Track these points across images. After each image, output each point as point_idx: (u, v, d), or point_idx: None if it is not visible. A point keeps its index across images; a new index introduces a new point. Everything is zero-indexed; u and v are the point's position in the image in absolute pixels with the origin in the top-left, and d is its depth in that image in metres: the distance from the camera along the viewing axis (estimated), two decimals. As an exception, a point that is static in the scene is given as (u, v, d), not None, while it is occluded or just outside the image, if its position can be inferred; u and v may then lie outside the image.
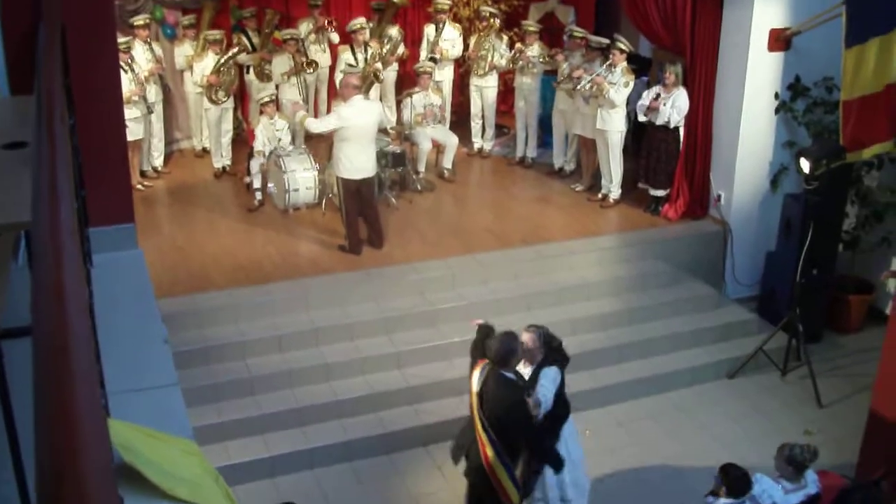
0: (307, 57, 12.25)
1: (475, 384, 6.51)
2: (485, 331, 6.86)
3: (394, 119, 10.73)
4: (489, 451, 6.48)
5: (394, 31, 12.80)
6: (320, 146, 11.82)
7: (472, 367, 6.64)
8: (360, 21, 12.28)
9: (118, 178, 4.42)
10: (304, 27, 12.59)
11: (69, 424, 1.31)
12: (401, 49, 12.86)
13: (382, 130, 10.47)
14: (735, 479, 6.30)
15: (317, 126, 9.89)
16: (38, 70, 2.79)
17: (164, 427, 2.96)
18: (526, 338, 6.70)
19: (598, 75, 10.64)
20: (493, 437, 6.44)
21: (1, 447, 2.80)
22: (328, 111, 12.71)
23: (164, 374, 3.40)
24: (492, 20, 12.50)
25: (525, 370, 6.79)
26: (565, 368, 6.84)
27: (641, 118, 10.68)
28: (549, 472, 6.84)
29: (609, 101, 10.55)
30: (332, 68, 12.89)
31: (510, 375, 6.52)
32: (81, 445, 1.29)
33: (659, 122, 10.40)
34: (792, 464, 6.57)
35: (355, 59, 12.13)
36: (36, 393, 1.48)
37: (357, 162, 9.49)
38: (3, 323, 2.80)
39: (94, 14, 4.20)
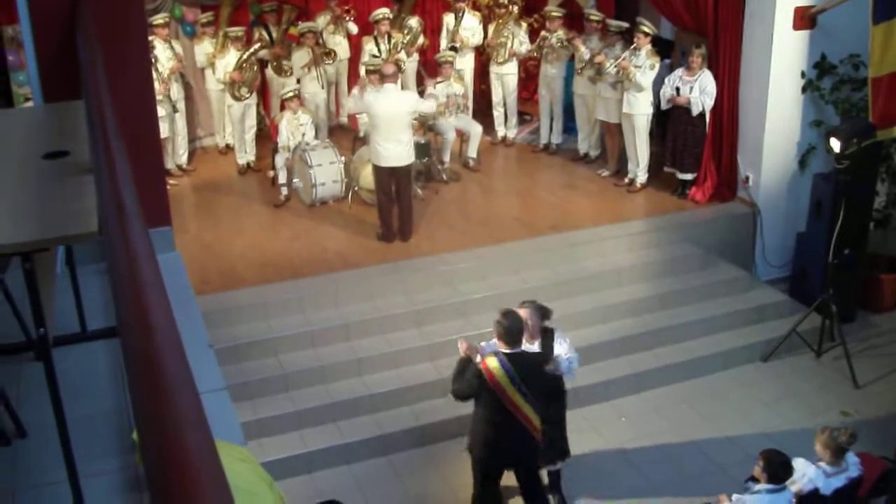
0: (325, 48, 12.23)
1: (499, 373, 6.45)
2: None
3: (431, 103, 10.62)
4: (535, 422, 6.66)
5: (413, 21, 12.75)
6: (344, 139, 11.82)
7: (481, 366, 6.54)
8: (383, 11, 12.24)
9: (154, 182, 4.41)
10: (322, 19, 12.56)
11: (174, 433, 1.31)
12: (421, 39, 12.81)
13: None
14: (776, 465, 6.25)
15: (350, 107, 10.38)
16: (84, 83, 2.78)
17: (215, 434, 2.95)
18: (524, 314, 6.75)
19: (623, 59, 10.57)
20: (535, 406, 6.63)
21: (55, 451, 2.82)
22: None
23: (211, 379, 3.39)
24: (511, 7, 12.44)
25: (531, 346, 6.88)
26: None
27: (665, 106, 10.61)
28: None
29: (636, 85, 10.49)
30: (353, 59, 12.87)
31: (529, 348, 6.77)
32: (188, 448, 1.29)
33: (694, 112, 10.32)
34: (831, 448, 6.51)
35: (378, 49, 12.08)
36: (134, 399, 1.48)
37: (384, 150, 9.50)
38: (49, 332, 2.81)
39: (125, 17, 4.19)
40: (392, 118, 9.44)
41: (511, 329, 6.48)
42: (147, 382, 1.35)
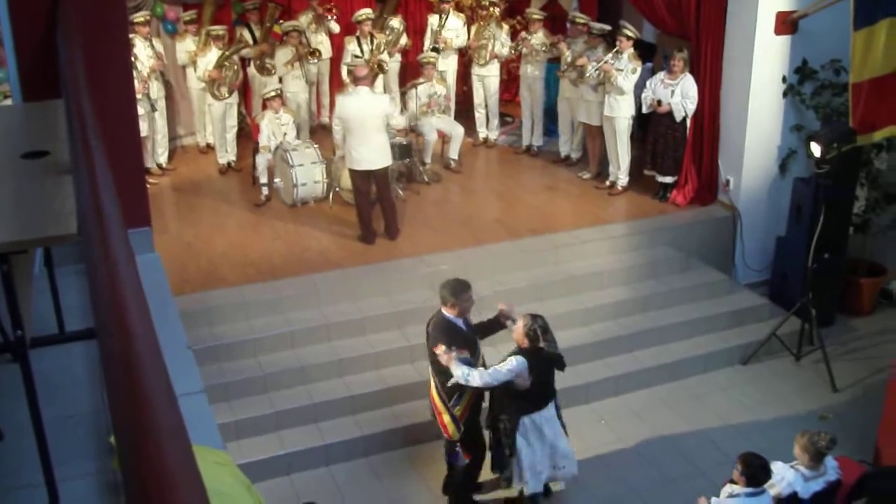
0: (310, 46, 12.21)
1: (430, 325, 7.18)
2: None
3: (402, 119, 10.65)
4: (433, 388, 7.16)
5: (395, 21, 12.73)
6: (326, 140, 11.78)
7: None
8: (365, 12, 12.22)
9: (134, 181, 4.37)
10: (304, 18, 12.53)
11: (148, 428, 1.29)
12: (403, 40, 12.79)
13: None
14: (754, 468, 6.26)
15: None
16: (63, 81, 2.75)
17: (193, 437, 2.92)
18: (520, 323, 6.97)
19: (605, 62, 10.58)
20: (434, 375, 7.09)
21: (31, 453, 2.79)
22: (331, 104, 12.69)
23: (189, 381, 3.36)
24: (492, 9, 12.45)
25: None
26: (552, 369, 7.12)
27: (646, 110, 10.64)
28: (521, 447, 7.11)
29: (617, 88, 10.51)
30: (335, 60, 12.84)
31: (450, 317, 7.04)
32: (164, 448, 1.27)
33: (677, 118, 10.36)
34: (810, 452, 6.53)
35: (361, 50, 12.06)
36: (111, 398, 1.47)
37: (360, 153, 9.47)
38: (27, 334, 2.78)
39: (106, 16, 4.15)
40: (364, 121, 9.39)
41: (449, 290, 7.05)
42: (126, 390, 1.33)
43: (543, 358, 6.96)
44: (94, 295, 1.69)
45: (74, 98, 2.51)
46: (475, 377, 6.80)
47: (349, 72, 10.99)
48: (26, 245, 2.32)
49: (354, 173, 9.62)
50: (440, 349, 6.84)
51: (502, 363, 6.90)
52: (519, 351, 6.95)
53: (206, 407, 3.28)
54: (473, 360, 7.03)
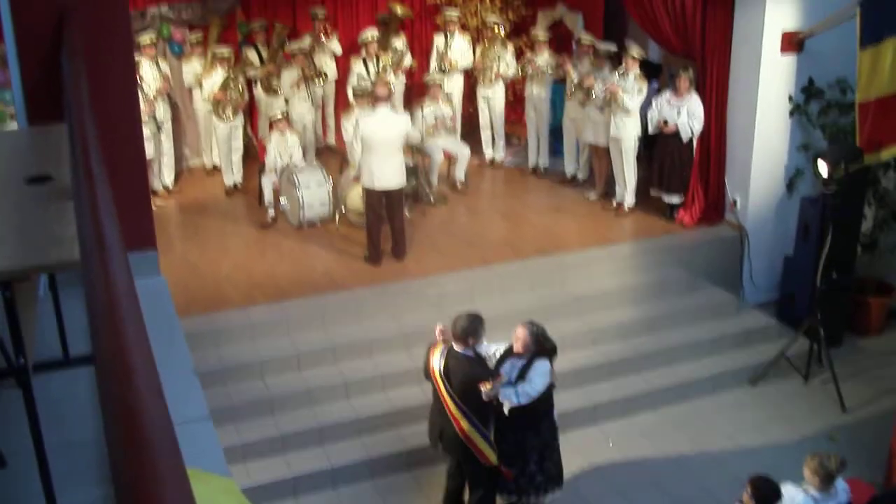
0: (316, 68, 12.23)
1: (436, 366, 7.00)
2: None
3: (417, 134, 10.68)
4: (464, 424, 6.93)
5: (399, 42, 12.75)
6: (332, 161, 11.78)
7: (429, 354, 7.14)
8: (371, 33, 12.23)
9: (139, 204, 4.36)
10: (308, 39, 12.56)
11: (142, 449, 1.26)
12: (408, 60, 12.81)
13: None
14: (764, 491, 6.21)
15: (347, 135, 10.30)
16: (67, 107, 2.73)
17: (199, 464, 2.89)
18: (519, 331, 7.05)
19: (612, 83, 10.58)
20: (463, 409, 6.90)
21: (34, 480, 2.76)
22: (336, 125, 12.69)
23: (195, 407, 3.33)
24: (497, 29, 12.46)
25: (518, 362, 7.10)
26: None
27: (653, 131, 10.62)
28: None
29: (623, 109, 10.50)
30: (341, 81, 12.86)
31: (467, 352, 6.96)
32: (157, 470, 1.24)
33: (684, 139, 10.35)
34: (820, 475, 6.46)
35: (367, 71, 12.07)
36: (106, 423, 1.44)
37: (378, 172, 9.48)
38: (30, 359, 2.76)
39: (111, 38, 4.15)
40: (385, 140, 9.43)
41: (456, 328, 6.92)
42: (125, 433, 1.29)
43: (552, 354, 7.11)
44: (94, 328, 1.66)
45: (77, 122, 2.49)
46: (524, 396, 6.90)
47: (356, 94, 10.99)
48: (29, 272, 2.31)
49: (370, 193, 9.61)
50: (486, 386, 6.80)
51: (533, 371, 6.97)
52: (533, 355, 7.01)
53: (212, 433, 3.25)
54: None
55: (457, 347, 6.96)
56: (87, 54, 3.61)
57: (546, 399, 7.14)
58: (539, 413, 7.15)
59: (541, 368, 6.98)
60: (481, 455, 7.02)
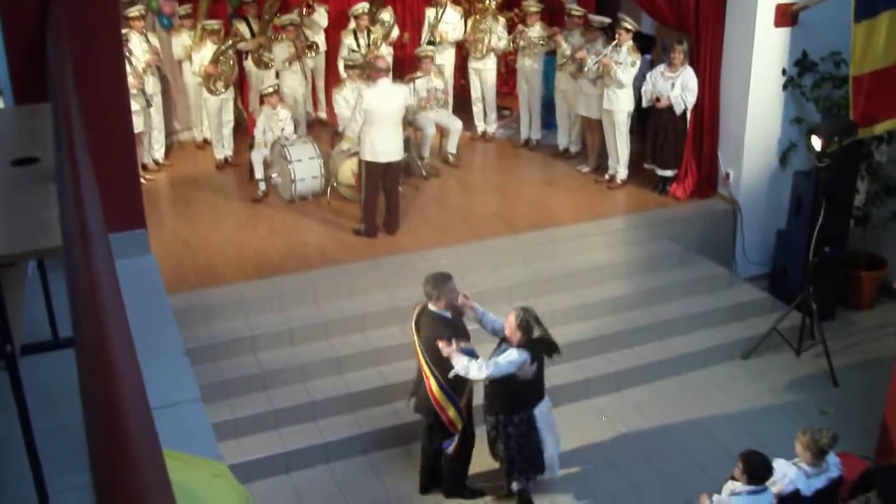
0: (307, 40, 12.14)
1: (413, 321, 7.24)
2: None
3: (414, 102, 10.67)
4: (433, 384, 7.07)
5: (386, 14, 12.65)
6: (323, 134, 11.72)
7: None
8: (362, 6, 12.13)
9: (128, 182, 4.31)
10: (297, 13, 12.45)
11: (120, 434, 1.24)
12: (395, 32, 12.71)
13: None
14: (756, 466, 6.23)
15: (344, 109, 10.19)
16: (51, 88, 2.69)
17: (189, 447, 2.88)
18: (510, 317, 6.98)
19: (605, 56, 10.52)
20: (433, 369, 7.03)
21: (23, 464, 2.73)
22: (327, 98, 12.61)
23: (185, 389, 3.30)
24: (489, 2, 12.37)
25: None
26: (544, 358, 7.13)
27: (646, 104, 10.58)
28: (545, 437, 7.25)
29: (616, 82, 10.44)
30: (331, 54, 12.77)
31: (442, 313, 7.12)
32: (133, 451, 1.23)
33: (678, 111, 10.31)
34: (812, 449, 6.49)
35: (358, 44, 11.99)
36: (85, 407, 1.42)
37: (382, 145, 9.46)
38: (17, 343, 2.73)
39: (98, 13, 4.09)
40: (386, 113, 9.41)
41: (427, 286, 7.12)
42: (104, 427, 1.27)
43: (539, 348, 6.99)
44: (74, 314, 1.63)
45: (62, 103, 2.45)
46: (474, 369, 6.80)
47: (347, 66, 10.92)
48: (15, 258, 2.27)
49: (371, 165, 9.56)
50: (442, 343, 6.83)
51: (502, 355, 6.89)
52: (518, 345, 6.92)
53: (203, 415, 3.22)
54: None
55: (431, 306, 7.13)
56: (74, 32, 3.56)
57: (524, 391, 7.08)
58: (518, 401, 7.12)
59: (510, 356, 6.85)
60: (448, 420, 7.14)
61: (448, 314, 7.15)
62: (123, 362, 1.35)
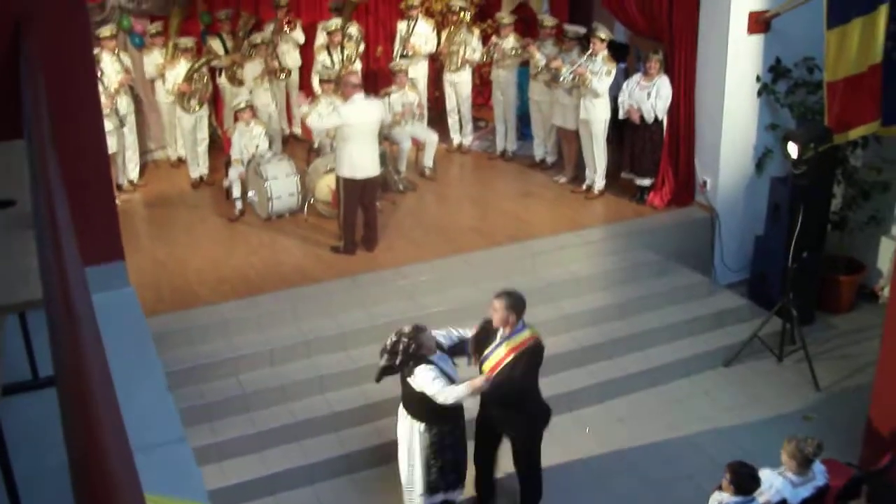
0: (280, 63, 12.09)
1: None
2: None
3: (388, 116, 10.61)
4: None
5: (353, 29, 12.61)
6: (299, 151, 11.65)
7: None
8: (335, 21, 12.09)
9: (104, 213, 4.23)
10: (269, 29, 12.40)
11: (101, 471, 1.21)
12: (361, 47, 12.66)
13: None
14: (743, 477, 6.22)
15: (318, 123, 9.87)
16: (27, 128, 2.62)
17: (175, 489, 2.82)
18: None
19: (579, 66, 10.51)
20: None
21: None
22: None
23: (170, 428, 3.23)
24: (462, 14, 12.35)
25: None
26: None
27: (622, 116, 10.58)
28: None
29: (592, 91, 10.44)
30: (304, 70, 12.72)
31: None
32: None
33: (649, 121, 10.32)
34: (798, 458, 6.49)
35: (331, 60, 11.94)
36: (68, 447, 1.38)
37: (359, 161, 9.39)
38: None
39: (71, 40, 4.02)
40: (362, 128, 9.34)
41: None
42: (87, 485, 1.23)
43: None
44: (58, 376, 1.58)
45: (37, 140, 2.38)
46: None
47: (322, 80, 10.88)
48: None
49: (349, 182, 9.47)
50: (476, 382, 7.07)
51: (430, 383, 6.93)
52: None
53: (189, 455, 3.15)
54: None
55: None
56: (47, 63, 3.50)
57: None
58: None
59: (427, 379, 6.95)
60: None
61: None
62: (105, 411, 1.31)
